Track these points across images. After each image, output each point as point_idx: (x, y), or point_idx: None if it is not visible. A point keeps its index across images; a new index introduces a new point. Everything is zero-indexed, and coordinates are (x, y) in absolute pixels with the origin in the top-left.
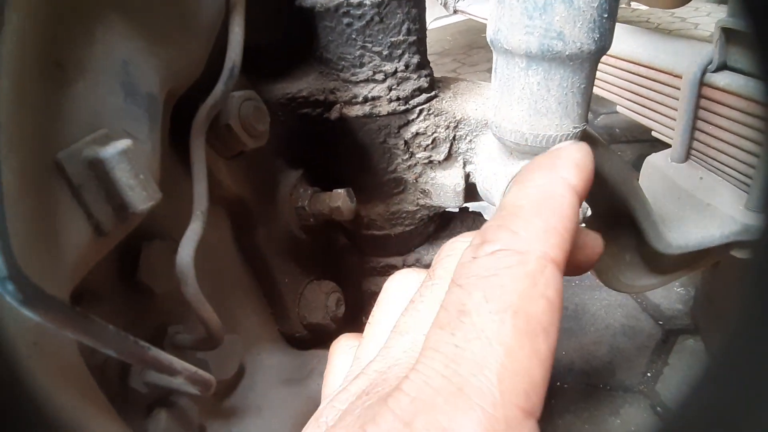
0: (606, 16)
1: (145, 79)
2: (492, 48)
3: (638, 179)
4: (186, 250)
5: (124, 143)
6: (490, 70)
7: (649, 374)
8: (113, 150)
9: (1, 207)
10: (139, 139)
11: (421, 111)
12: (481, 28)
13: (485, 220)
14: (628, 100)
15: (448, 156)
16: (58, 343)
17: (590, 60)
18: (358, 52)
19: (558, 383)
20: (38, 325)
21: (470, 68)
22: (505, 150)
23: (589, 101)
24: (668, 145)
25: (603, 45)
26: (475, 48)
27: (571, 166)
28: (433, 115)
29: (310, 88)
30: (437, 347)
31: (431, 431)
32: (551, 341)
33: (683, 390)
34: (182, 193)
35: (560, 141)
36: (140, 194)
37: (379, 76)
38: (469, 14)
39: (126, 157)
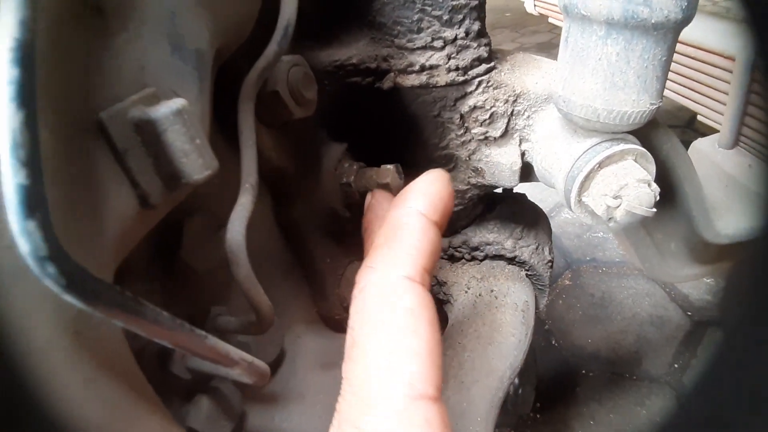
0: None
1: (194, 33)
2: (565, 14)
3: None
4: (237, 228)
5: (178, 102)
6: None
7: (676, 365)
8: (166, 110)
9: (40, 171)
10: (188, 100)
11: (480, 83)
12: (504, 8)
13: (530, 203)
14: (672, 81)
15: (505, 132)
16: (103, 331)
17: (674, 30)
18: (416, 16)
19: (583, 371)
20: (81, 312)
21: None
22: (569, 127)
23: (666, 76)
24: (705, 131)
25: (689, 14)
26: (498, 27)
27: (419, 196)
28: (492, 88)
29: (361, 54)
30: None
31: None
32: (422, 336)
33: (699, 374)
34: (223, 163)
35: (636, 119)
36: (196, 162)
37: (438, 43)
38: None
39: (181, 118)
